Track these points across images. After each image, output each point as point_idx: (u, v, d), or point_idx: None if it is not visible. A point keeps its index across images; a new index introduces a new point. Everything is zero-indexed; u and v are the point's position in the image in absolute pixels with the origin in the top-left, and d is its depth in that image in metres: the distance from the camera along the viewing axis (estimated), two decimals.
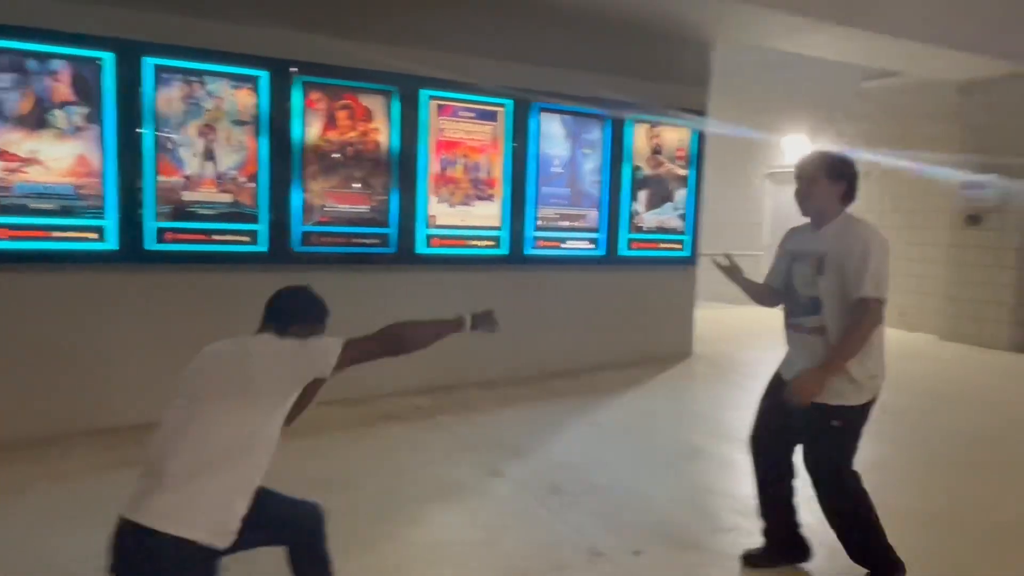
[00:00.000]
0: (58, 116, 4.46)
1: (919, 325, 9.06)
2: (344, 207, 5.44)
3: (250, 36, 4.98)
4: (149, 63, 4.68)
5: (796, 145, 11.01)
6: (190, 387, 2.04)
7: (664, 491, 3.96)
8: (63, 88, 4.46)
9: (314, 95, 5.24)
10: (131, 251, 4.72)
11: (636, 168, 6.79)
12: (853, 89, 9.93)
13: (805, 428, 2.85)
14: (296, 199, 5.23)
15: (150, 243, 4.78)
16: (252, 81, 5.01)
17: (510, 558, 3.14)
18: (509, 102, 6.05)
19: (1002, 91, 8.24)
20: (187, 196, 4.88)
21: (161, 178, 4.79)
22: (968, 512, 3.73)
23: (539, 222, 6.33)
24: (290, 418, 2.16)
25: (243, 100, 5.00)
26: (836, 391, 2.71)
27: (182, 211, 4.87)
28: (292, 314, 2.22)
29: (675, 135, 6.98)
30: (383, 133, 5.53)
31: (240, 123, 5.00)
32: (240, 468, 1.95)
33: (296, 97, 5.17)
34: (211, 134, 4.91)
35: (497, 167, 6.08)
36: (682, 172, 7.07)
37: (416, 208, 5.72)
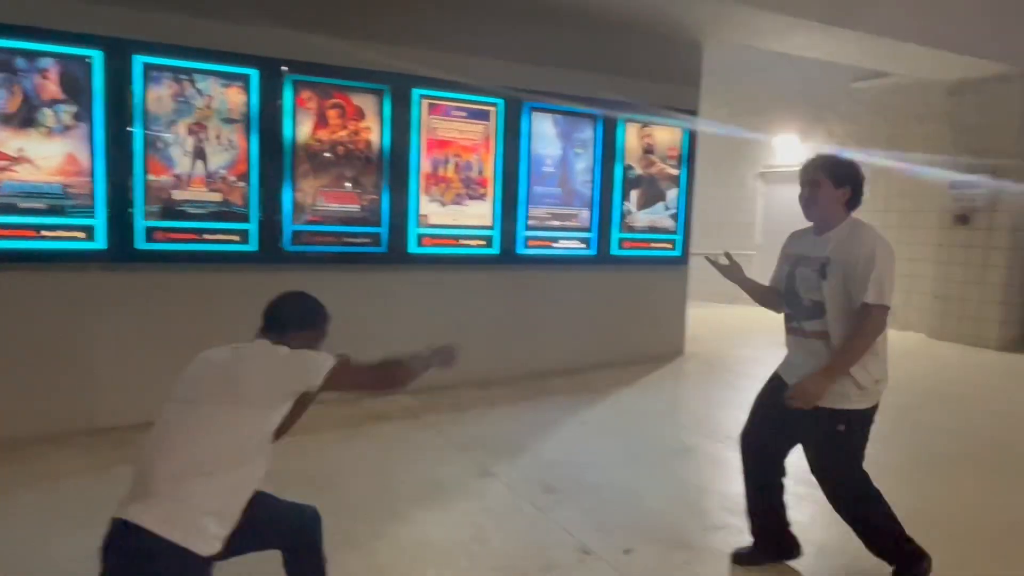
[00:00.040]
0: (47, 114, 4.44)
1: (908, 324, 9.11)
2: (335, 206, 5.42)
3: (240, 34, 4.96)
4: (139, 61, 4.66)
5: (787, 145, 11.05)
6: (183, 391, 2.04)
7: (655, 490, 3.97)
8: (52, 86, 4.44)
9: (305, 94, 5.23)
10: (121, 250, 4.70)
11: (628, 167, 6.80)
12: (844, 89, 9.97)
13: (810, 434, 2.84)
14: (287, 198, 5.22)
15: (140, 242, 4.76)
16: (242, 79, 4.99)
17: (500, 557, 3.14)
18: (501, 101, 6.05)
19: (992, 92, 8.28)
20: (177, 195, 4.86)
21: (151, 177, 4.77)
22: (961, 511, 3.75)
23: (531, 221, 6.33)
24: (279, 432, 2.13)
25: (233, 98, 4.98)
26: (841, 395, 2.70)
27: (172, 210, 4.85)
28: (292, 322, 2.22)
29: (667, 134, 6.99)
30: (374, 132, 5.52)
31: (230, 122, 4.98)
32: (230, 475, 1.93)
33: (287, 96, 5.16)
34: (201, 133, 4.89)
35: (489, 166, 6.08)
36: (674, 171, 7.08)
37: (408, 207, 5.71)
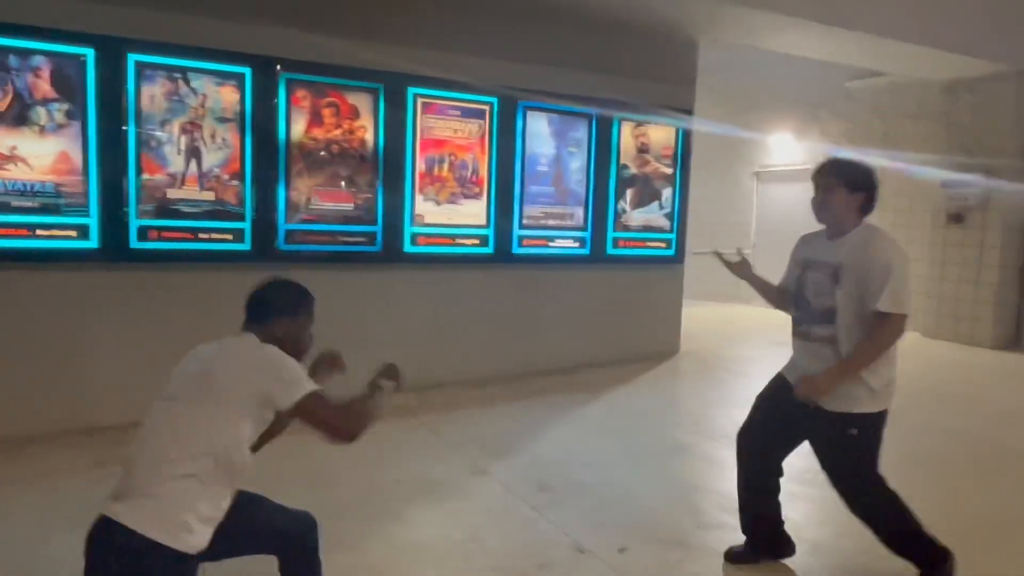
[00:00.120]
0: (40, 113, 4.42)
1: None
2: (330, 205, 5.42)
3: (234, 32, 4.95)
4: (132, 59, 4.64)
5: (782, 144, 11.07)
6: (170, 387, 2.03)
7: (649, 488, 3.97)
8: (44, 85, 4.43)
9: (299, 92, 5.22)
10: (115, 249, 4.69)
11: (622, 166, 6.80)
12: (838, 88, 9.99)
13: (823, 440, 2.83)
14: (281, 197, 5.21)
15: (134, 241, 4.75)
16: (236, 78, 4.98)
17: (495, 556, 3.14)
18: (495, 100, 6.04)
19: (986, 91, 8.31)
20: (171, 194, 4.84)
21: (144, 176, 4.75)
22: (955, 509, 3.76)
23: (525, 221, 6.33)
24: (256, 446, 2.10)
25: (227, 97, 4.97)
26: (852, 399, 2.69)
27: (166, 209, 4.84)
28: (273, 310, 2.16)
29: (661, 133, 6.99)
30: (369, 131, 5.51)
31: (224, 120, 4.97)
32: (206, 474, 1.90)
33: (281, 94, 5.14)
34: (195, 131, 4.88)
35: (483, 165, 6.07)
36: (668, 171, 7.09)
37: (403, 206, 5.71)
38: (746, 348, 8.22)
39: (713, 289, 11.43)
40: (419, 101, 5.71)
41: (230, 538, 2.02)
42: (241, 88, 4.99)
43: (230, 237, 5.05)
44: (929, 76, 8.56)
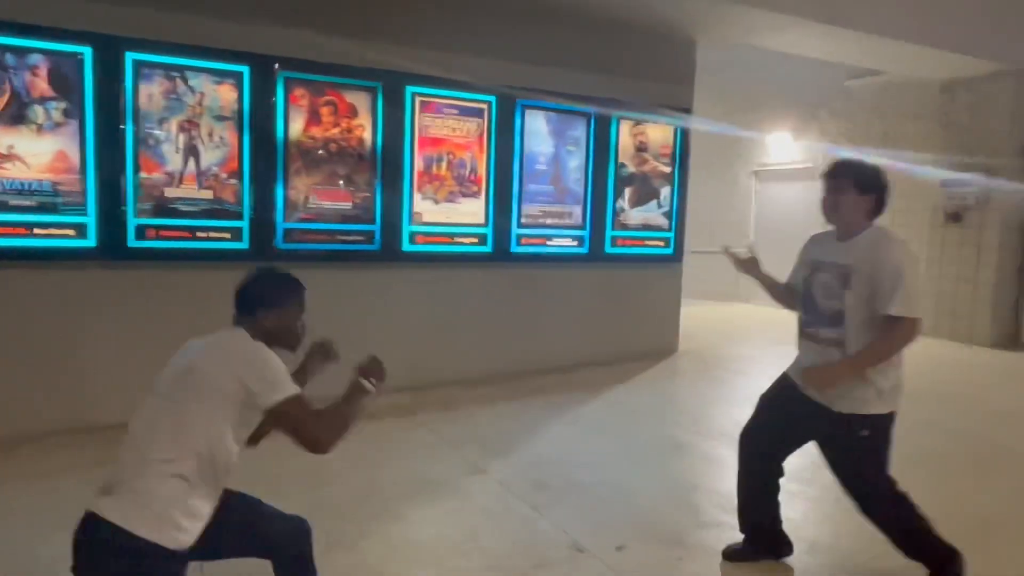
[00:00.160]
0: (37, 111, 4.42)
1: None
2: (328, 204, 5.41)
3: (232, 31, 4.94)
4: (130, 58, 4.63)
5: (780, 143, 11.08)
6: (157, 383, 2.01)
7: (647, 487, 3.97)
8: (42, 83, 4.42)
9: (297, 91, 5.21)
10: (113, 248, 4.69)
11: (621, 165, 6.80)
12: (837, 87, 9.99)
13: (833, 442, 2.81)
14: (279, 196, 5.20)
15: (131, 240, 4.74)
16: (234, 76, 4.97)
17: (492, 555, 3.14)
18: (493, 99, 6.04)
19: (984, 90, 8.32)
20: (169, 192, 4.84)
21: (142, 174, 4.75)
22: (955, 508, 3.76)
23: (524, 219, 6.33)
24: (254, 437, 2.09)
25: (225, 96, 4.96)
26: (861, 400, 2.68)
27: (164, 208, 4.83)
28: (260, 301, 2.13)
29: (660, 132, 7.00)
30: (367, 130, 5.51)
31: (222, 119, 4.96)
32: (194, 470, 1.88)
33: (279, 93, 5.14)
34: (193, 130, 4.87)
35: (482, 164, 6.07)
36: (667, 169, 7.09)
37: (401, 205, 5.70)
38: (745, 347, 8.23)
39: (712, 288, 11.45)
40: (417, 100, 5.71)
41: (222, 539, 2.01)
42: (239, 87, 4.99)
43: (228, 236, 5.05)
44: (928, 75, 8.57)
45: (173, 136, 4.82)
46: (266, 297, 2.15)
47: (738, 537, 3.17)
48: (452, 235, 5.98)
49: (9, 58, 4.33)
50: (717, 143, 10.94)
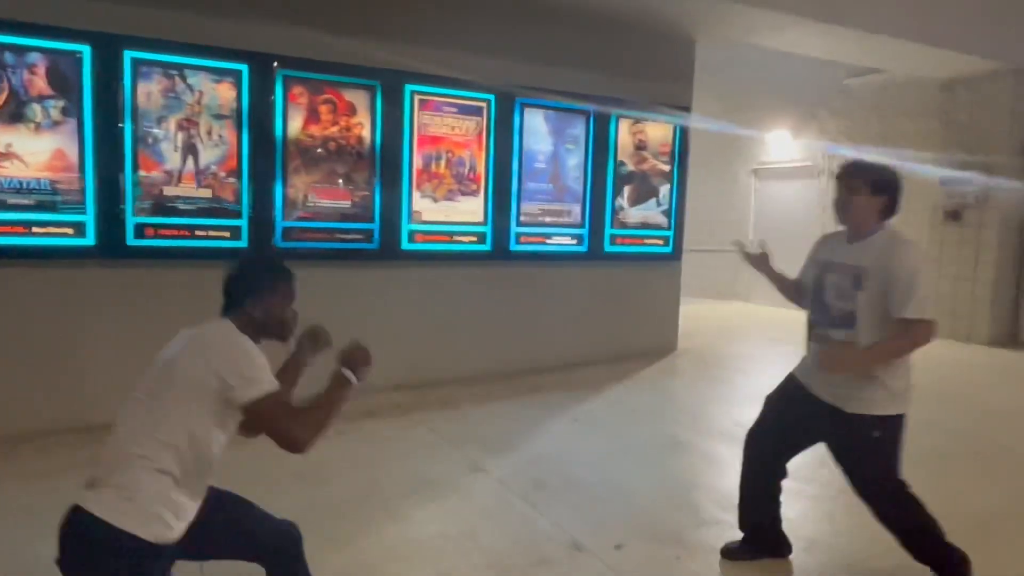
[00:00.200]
0: (35, 110, 4.41)
1: None
2: (327, 202, 5.41)
3: (231, 29, 4.94)
4: (128, 56, 4.63)
5: (780, 141, 11.08)
6: (144, 376, 1.98)
7: (646, 485, 3.97)
8: (40, 81, 4.41)
9: (296, 89, 5.21)
10: (111, 247, 4.68)
11: (620, 164, 6.80)
12: (836, 86, 9.99)
13: (845, 444, 2.79)
14: (278, 194, 5.20)
15: (130, 238, 4.74)
16: (233, 75, 4.97)
17: (491, 553, 3.14)
18: (492, 97, 6.03)
19: (984, 88, 8.32)
20: (167, 191, 4.84)
21: (141, 173, 4.75)
22: (948, 504, 3.76)
23: (523, 218, 6.33)
24: (249, 434, 2.05)
25: (224, 94, 4.96)
26: (873, 401, 2.66)
27: (162, 206, 4.83)
28: (244, 290, 2.08)
29: (659, 130, 6.99)
30: (366, 128, 5.50)
31: (221, 117, 4.96)
32: (175, 465, 1.85)
33: (278, 91, 5.13)
34: (191, 128, 4.87)
35: (481, 162, 6.07)
36: (666, 168, 7.09)
37: (400, 203, 5.70)
38: (744, 345, 8.23)
39: (711, 286, 11.46)
40: (416, 98, 5.70)
41: (210, 539, 1.99)
42: (238, 85, 4.98)
43: (227, 234, 5.05)
44: (927, 74, 8.57)
45: (172, 134, 4.81)
46: (254, 285, 2.09)
47: (737, 535, 3.17)
48: (451, 234, 5.98)
49: (7, 56, 4.32)
50: (716, 141, 10.94)
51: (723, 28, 6.86)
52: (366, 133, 5.50)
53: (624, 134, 6.79)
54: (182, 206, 4.88)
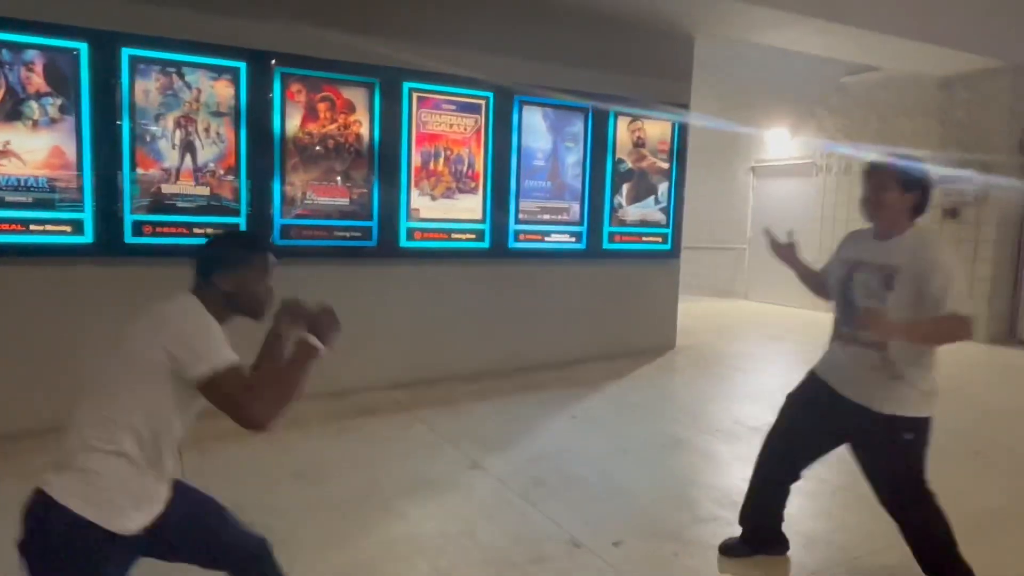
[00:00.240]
0: (33, 107, 4.40)
1: None
2: (325, 200, 5.40)
3: (229, 26, 4.93)
4: (126, 54, 4.62)
5: (778, 139, 11.08)
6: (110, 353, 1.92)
7: (645, 482, 3.98)
8: (37, 79, 4.40)
9: (294, 87, 5.20)
10: (109, 244, 4.67)
11: (619, 161, 6.80)
12: (834, 83, 9.99)
13: (873, 446, 2.74)
14: (276, 192, 5.19)
15: (128, 236, 4.73)
16: (231, 72, 4.96)
17: (490, 551, 3.14)
18: (490, 95, 6.03)
19: (982, 86, 8.33)
20: (165, 189, 4.83)
21: (139, 171, 4.74)
22: (948, 504, 3.77)
23: (521, 215, 6.33)
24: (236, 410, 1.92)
25: (222, 91, 4.95)
26: (905, 401, 2.63)
27: (160, 204, 4.82)
28: (213, 264, 1.97)
29: (657, 128, 6.99)
30: (364, 126, 5.50)
31: (219, 115, 4.95)
32: (132, 449, 1.78)
33: (276, 89, 5.13)
34: (189, 126, 4.86)
35: (479, 160, 6.06)
36: (665, 165, 7.09)
37: (398, 201, 5.70)
38: (742, 343, 8.24)
39: (709, 284, 11.46)
40: (414, 95, 5.70)
41: (175, 537, 1.92)
42: (236, 82, 4.98)
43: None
44: (925, 71, 8.58)
45: (170, 132, 4.81)
46: (225, 258, 1.98)
47: (735, 532, 3.17)
48: (449, 231, 5.97)
49: (5, 54, 4.31)
50: (715, 139, 10.93)
51: (722, 25, 6.86)
52: (364, 131, 5.49)
53: (623, 132, 6.79)
54: (180, 204, 4.88)
